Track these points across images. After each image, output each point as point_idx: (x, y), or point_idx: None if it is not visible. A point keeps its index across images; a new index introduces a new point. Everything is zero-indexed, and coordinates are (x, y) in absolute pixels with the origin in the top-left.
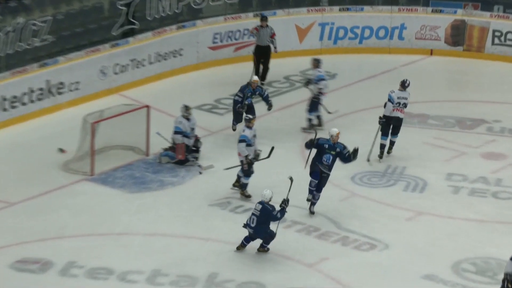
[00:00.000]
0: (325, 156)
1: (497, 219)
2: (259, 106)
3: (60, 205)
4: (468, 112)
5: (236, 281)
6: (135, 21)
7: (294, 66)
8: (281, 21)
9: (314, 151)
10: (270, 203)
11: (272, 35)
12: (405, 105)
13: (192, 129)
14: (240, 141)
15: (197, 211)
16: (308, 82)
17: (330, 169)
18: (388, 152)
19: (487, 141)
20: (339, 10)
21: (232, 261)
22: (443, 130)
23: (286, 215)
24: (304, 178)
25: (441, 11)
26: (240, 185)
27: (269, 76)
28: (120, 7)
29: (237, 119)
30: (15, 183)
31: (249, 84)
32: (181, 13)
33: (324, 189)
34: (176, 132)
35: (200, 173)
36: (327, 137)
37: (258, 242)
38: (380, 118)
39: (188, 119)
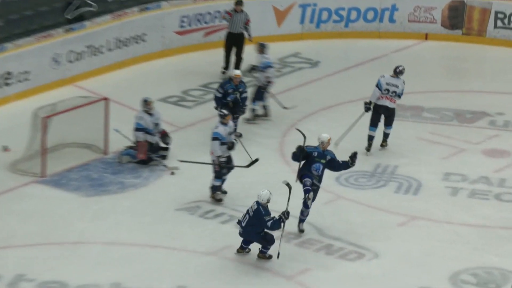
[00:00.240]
0: (315, 165)
1: (500, 224)
2: None
3: (7, 211)
4: (468, 104)
5: None
6: (92, 3)
7: (272, 54)
8: (257, 2)
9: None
10: (270, 207)
11: (247, 22)
12: (395, 93)
13: (156, 124)
14: (213, 138)
15: (162, 216)
16: (252, 69)
17: (320, 181)
18: (382, 145)
19: (489, 137)
20: None
21: (201, 273)
22: (439, 124)
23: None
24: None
25: None
26: (211, 187)
27: (243, 66)
28: None
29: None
30: None
31: (230, 79)
32: None
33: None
34: (137, 129)
35: (173, 173)
36: (316, 143)
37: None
38: (365, 103)
39: (150, 114)
